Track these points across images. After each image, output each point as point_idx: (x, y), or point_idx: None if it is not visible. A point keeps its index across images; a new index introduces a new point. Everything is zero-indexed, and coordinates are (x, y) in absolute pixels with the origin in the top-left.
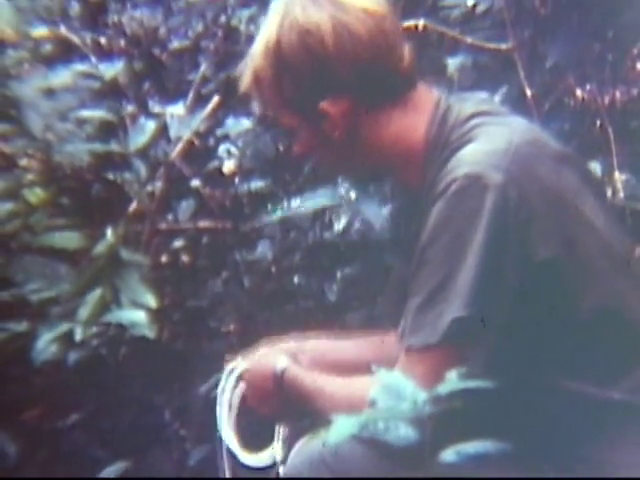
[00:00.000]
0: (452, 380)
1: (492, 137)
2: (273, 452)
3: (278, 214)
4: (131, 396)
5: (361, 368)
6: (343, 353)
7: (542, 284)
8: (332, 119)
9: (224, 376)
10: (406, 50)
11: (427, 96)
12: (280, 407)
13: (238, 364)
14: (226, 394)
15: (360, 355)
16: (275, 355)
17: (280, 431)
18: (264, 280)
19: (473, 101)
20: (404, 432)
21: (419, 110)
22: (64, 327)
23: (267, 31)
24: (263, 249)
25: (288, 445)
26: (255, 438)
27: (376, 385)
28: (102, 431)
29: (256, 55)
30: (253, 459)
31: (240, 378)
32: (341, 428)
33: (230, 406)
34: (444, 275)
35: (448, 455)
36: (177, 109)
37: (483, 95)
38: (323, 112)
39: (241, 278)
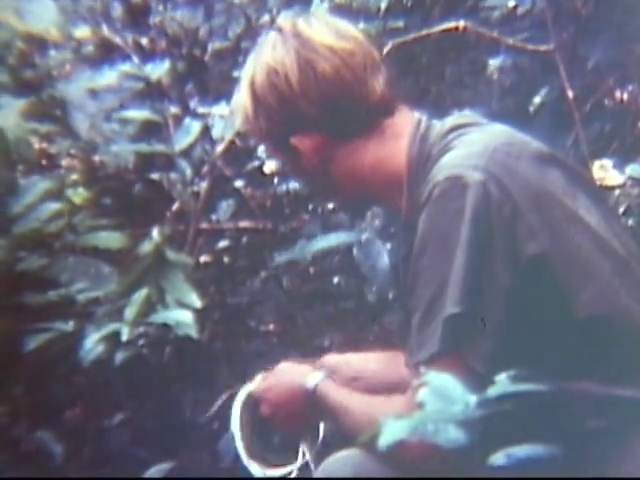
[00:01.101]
0: (502, 382)
1: (470, 143)
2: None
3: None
4: (173, 396)
5: (378, 385)
6: (362, 369)
7: (534, 280)
8: (304, 154)
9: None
10: (379, 81)
11: (407, 120)
12: (304, 423)
13: (255, 383)
14: (236, 413)
15: (379, 372)
16: (302, 371)
17: (304, 448)
18: (303, 280)
19: (453, 116)
20: (454, 434)
21: (399, 135)
22: (111, 327)
23: (246, 69)
24: (302, 249)
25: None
26: (272, 453)
27: (424, 388)
28: (145, 431)
29: (241, 91)
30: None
31: (251, 396)
32: (391, 431)
33: (241, 425)
34: (438, 283)
35: (498, 458)
36: (221, 109)
37: (467, 112)
38: (295, 148)
39: (280, 278)
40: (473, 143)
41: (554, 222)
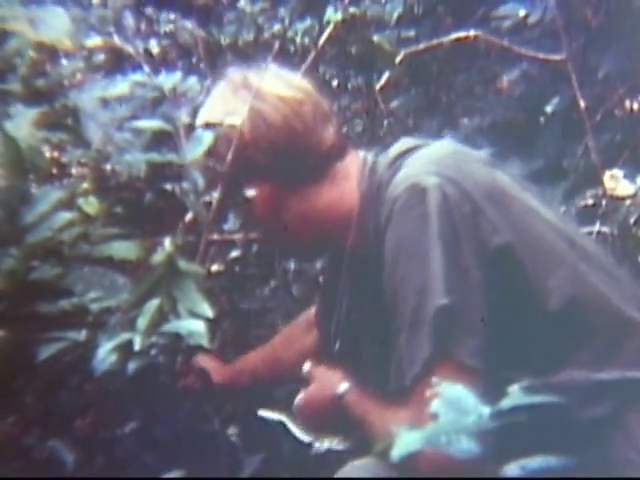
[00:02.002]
0: (515, 394)
1: (418, 157)
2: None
3: None
4: (184, 404)
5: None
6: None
7: (502, 272)
8: (256, 203)
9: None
10: (329, 130)
11: (355, 160)
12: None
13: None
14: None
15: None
16: (335, 379)
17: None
18: (312, 289)
19: (396, 145)
20: (467, 445)
21: (348, 176)
22: (124, 337)
23: (199, 119)
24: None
25: None
26: None
27: (438, 399)
28: (156, 440)
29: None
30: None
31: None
32: (405, 443)
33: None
34: (418, 290)
35: (511, 470)
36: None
37: (408, 139)
38: (246, 198)
39: (289, 287)
40: (421, 156)
41: (514, 215)
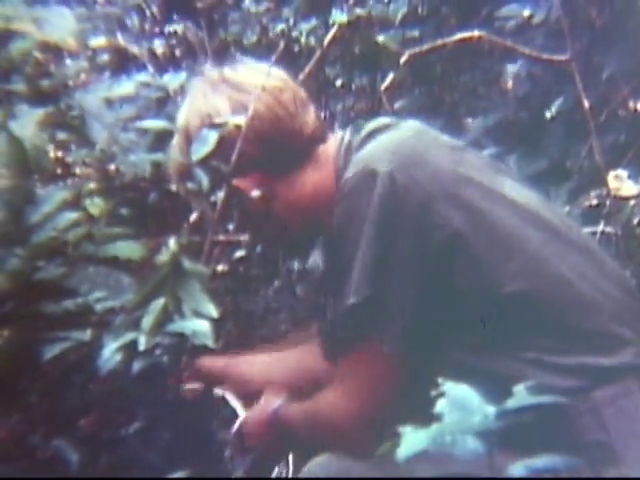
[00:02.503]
0: (521, 394)
1: (379, 141)
2: None
3: None
4: (189, 405)
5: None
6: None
7: (450, 262)
8: (247, 194)
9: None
10: (310, 114)
11: (334, 141)
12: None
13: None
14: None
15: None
16: (270, 398)
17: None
18: (316, 289)
19: (371, 123)
20: (472, 445)
21: (329, 157)
22: (129, 336)
23: (179, 118)
24: (315, 258)
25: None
26: None
27: (443, 399)
28: (161, 440)
29: (175, 143)
30: None
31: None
32: (411, 443)
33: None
34: (345, 273)
35: (517, 469)
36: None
37: (382, 118)
38: (237, 189)
39: (293, 287)
40: (381, 141)
41: (471, 202)
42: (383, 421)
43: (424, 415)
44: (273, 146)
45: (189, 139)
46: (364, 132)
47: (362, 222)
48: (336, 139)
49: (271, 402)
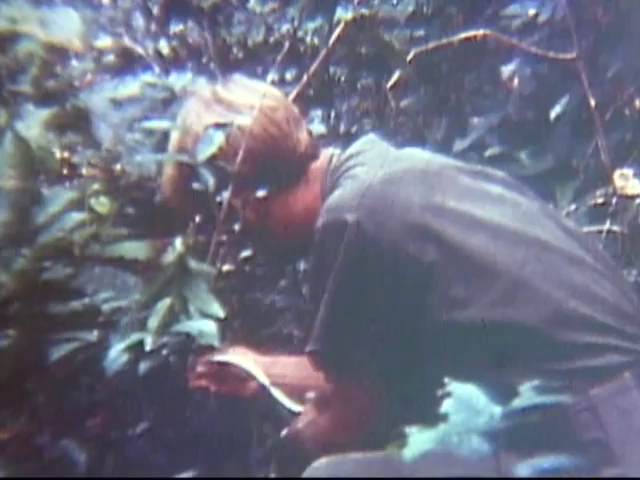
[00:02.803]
0: (527, 394)
1: (353, 180)
2: None
3: None
4: (195, 405)
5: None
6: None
7: (429, 295)
8: (241, 212)
9: None
10: (303, 132)
11: (324, 160)
12: None
13: None
14: None
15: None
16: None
17: None
18: None
19: (355, 144)
20: (478, 445)
21: (319, 175)
22: (135, 337)
23: (172, 139)
24: None
25: None
26: None
27: (449, 399)
28: (168, 440)
29: (169, 163)
30: None
31: None
32: (418, 443)
33: None
34: (315, 315)
35: (522, 469)
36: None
37: (371, 136)
38: (230, 207)
39: (299, 287)
40: (353, 180)
41: (444, 234)
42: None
43: (430, 416)
44: (267, 165)
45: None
46: (346, 154)
47: (329, 272)
48: (325, 157)
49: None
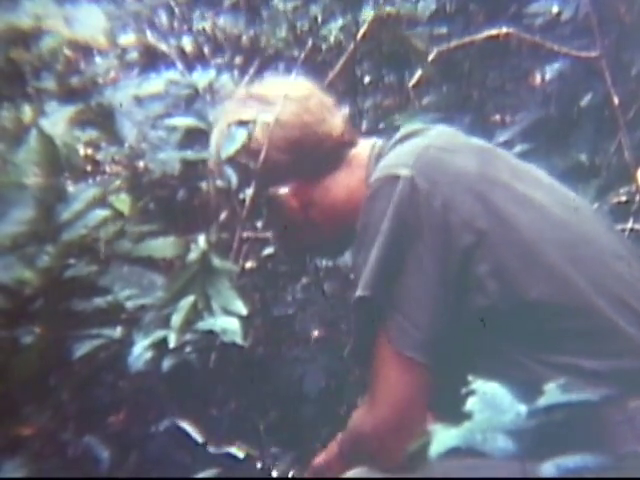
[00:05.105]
0: (552, 392)
1: (404, 146)
2: None
3: None
4: (217, 402)
5: None
6: None
7: (470, 268)
8: (285, 202)
9: None
10: (338, 118)
11: (366, 146)
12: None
13: None
14: None
15: None
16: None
17: None
18: (344, 286)
19: (401, 130)
20: (503, 444)
21: (362, 163)
22: (159, 334)
23: (213, 139)
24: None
25: None
26: None
27: (473, 397)
28: (190, 438)
29: (211, 161)
30: None
31: None
32: (442, 441)
33: None
34: (357, 279)
35: (547, 468)
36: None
37: (413, 125)
38: (275, 199)
39: (321, 284)
40: (405, 146)
41: (496, 204)
42: (408, 426)
43: (455, 414)
44: (304, 152)
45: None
46: (395, 138)
47: (380, 223)
48: (368, 144)
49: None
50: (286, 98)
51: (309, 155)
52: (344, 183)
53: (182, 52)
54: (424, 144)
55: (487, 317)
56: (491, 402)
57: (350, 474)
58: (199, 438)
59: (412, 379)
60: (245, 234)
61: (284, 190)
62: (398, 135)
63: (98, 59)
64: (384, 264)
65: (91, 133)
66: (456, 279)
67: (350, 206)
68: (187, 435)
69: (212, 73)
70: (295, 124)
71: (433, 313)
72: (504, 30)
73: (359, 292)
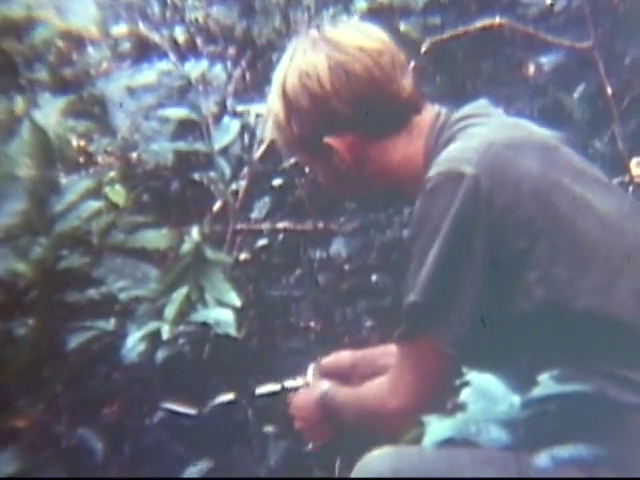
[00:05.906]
0: (546, 383)
1: (470, 136)
2: None
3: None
4: (211, 394)
5: None
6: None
7: (523, 272)
8: (339, 153)
9: None
10: (407, 79)
11: (429, 116)
12: (329, 431)
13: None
14: None
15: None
16: (314, 386)
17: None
18: (338, 278)
19: (467, 107)
20: (496, 435)
21: (423, 131)
22: (152, 326)
23: (277, 75)
24: (337, 247)
25: None
26: None
27: (467, 388)
28: (184, 429)
29: (272, 97)
30: None
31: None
32: (436, 431)
33: None
34: (418, 271)
35: (542, 459)
36: (260, 108)
37: (483, 101)
38: (329, 147)
39: (315, 276)
40: (472, 137)
41: (557, 207)
42: (428, 411)
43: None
44: (369, 108)
45: (287, 96)
46: (458, 115)
47: (441, 221)
48: (432, 113)
49: (319, 385)
50: (359, 49)
51: (372, 112)
52: (402, 149)
53: (175, 43)
54: (488, 140)
55: (529, 322)
56: (485, 393)
57: (375, 453)
58: (190, 411)
59: (445, 370)
60: (239, 226)
61: (339, 141)
62: (460, 114)
63: (90, 50)
64: (441, 269)
65: (84, 124)
66: (505, 281)
67: (404, 172)
68: (177, 414)
69: (205, 64)
70: (363, 78)
71: (477, 312)
72: (497, 20)
73: (414, 297)
